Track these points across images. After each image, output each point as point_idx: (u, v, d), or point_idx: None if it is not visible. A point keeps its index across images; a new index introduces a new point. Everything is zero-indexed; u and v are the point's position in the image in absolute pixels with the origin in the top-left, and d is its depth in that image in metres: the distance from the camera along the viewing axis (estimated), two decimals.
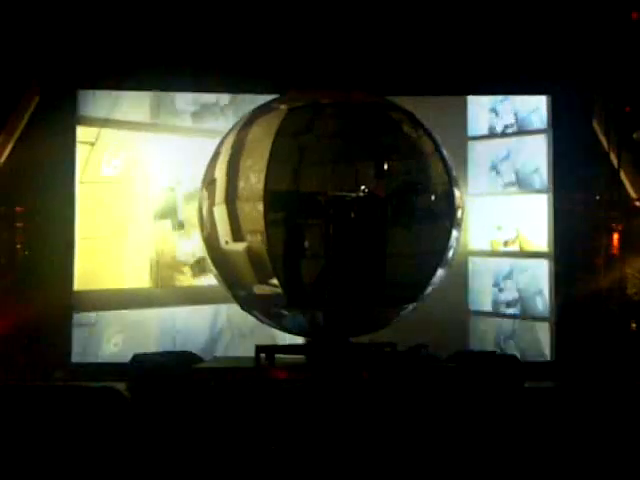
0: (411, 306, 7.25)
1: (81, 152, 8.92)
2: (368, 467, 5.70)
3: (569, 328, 8.88)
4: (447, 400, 6.48)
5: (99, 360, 8.79)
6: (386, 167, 7.18)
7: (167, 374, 6.95)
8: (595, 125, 8.94)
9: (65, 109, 8.92)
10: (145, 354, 8.15)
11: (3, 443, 5.68)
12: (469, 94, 9.41)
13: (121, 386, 6.85)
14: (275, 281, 6.81)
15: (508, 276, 9.27)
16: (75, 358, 8.74)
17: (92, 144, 8.92)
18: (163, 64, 8.82)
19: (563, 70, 8.93)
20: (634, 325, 8.48)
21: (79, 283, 8.84)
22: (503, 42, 8.80)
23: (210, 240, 7.14)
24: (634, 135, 8.51)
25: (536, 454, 5.78)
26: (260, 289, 6.95)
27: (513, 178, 9.33)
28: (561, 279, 8.96)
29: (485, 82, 9.07)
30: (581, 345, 8.60)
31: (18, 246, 8.76)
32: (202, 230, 7.24)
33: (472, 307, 9.33)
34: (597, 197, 8.87)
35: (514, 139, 9.38)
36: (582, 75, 8.93)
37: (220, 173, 7.07)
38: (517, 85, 9.13)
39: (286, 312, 6.99)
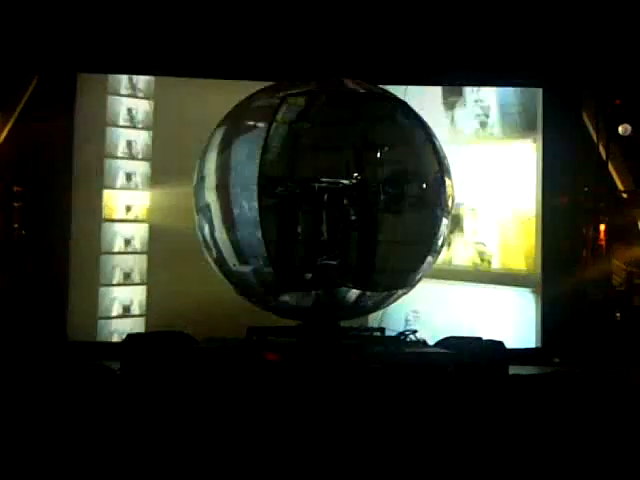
0: (400, 292, 7.36)
1: None
2: (355, 449, 5.77)
3: (556, 316, 8.97)
4: (433, 385, 6.57)
5: None
6: (378, 155, 7.29)
7: (160, 354, 7.01)
8: (584, 118, 9.00)
9: (64, 90, 8.99)
10: (139, 334, 8.28)
11: None
12: (460, 85, 9.47)
13: (116, 365, 6.92)
14: (268, 265, 6.88)
15: None
16: None
17: None
18: (161, 48, 8.87)
19: (554, 63, 8.97)
20: (619, 315, 8.56)
21: None
22: (494, 34, 8.82)
23: (203, 224, 7.23)
24: (619, 129, 8.57)
25: (521, 440, 5.86)
26: (253, 273, 7.03)
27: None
28: (548, 270, 9.04)
29: (476, 73, 9.14)
30: (567, 333, 8.69)
31: (15, 225, 8.81)
32: (196, 214, 7.31)
33: None
34: (585, 189, 8.93)
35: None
36: (572, 68, 8.97)
37: (215, 159, 7.13)
38: (508, 77, 9.19)
39: (278, 296, 7.05)
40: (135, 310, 9.25)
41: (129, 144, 9.35)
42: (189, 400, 6.26)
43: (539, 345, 9.14)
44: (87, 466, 5.43)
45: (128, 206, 9.34)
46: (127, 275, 9.26)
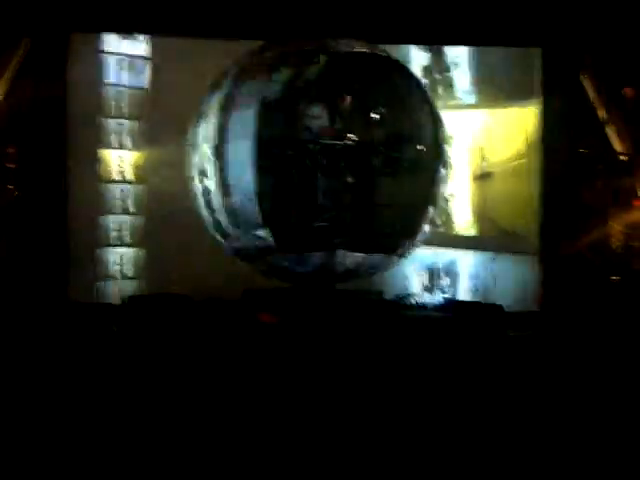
0: (397, 255, 7.36)
1: None
2: (350, 411, 5.81)
3: (556, 279, 8.99)
4: (431, 348, 6.60)
5: None
6: (376, 117, 7.24)
7: (159, 316, 7.04)
8: (584, 79, 8.95)
9: (57, 52, 8.91)
10: (140, 296, 8.29)
11: None
12: (460, 44, 9.31)
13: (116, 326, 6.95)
14: (264, 227, 6.87)
15: None
16: None
17: None
18: (156, 8, 8.77)
19: (555, 22, 8.88)
20: (617, 278, 8.57)
21: None
22: None
23: (200, 185, 7.20)
24: (626, 91, 8.55)
25: (518, 402, 5.91)
26: (250, 234, 7.01)
27: None
28: (547, 232, 9.05)
29: (476, 32, 8.94)
30: (566, 297, 8.72)
31: (10, 187, 8.76)
32: (192, 176, 7.27)
33: None
34: (583, 150, 8.90)
35: None
36: (573, 28, 8.88)
37: (213, 118, 7.09)
38: (508, 36, 9.05)
39: (274, 258, 7.04)
40: (133, 272, 9.24)
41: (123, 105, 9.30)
42: (186, 360, 6.30)
43: (538, 309, 9.18)
44: (86, 426, 5.48)
45: (124, 167, 9.29)
46: (125, 237, 9.23)
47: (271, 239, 6.93)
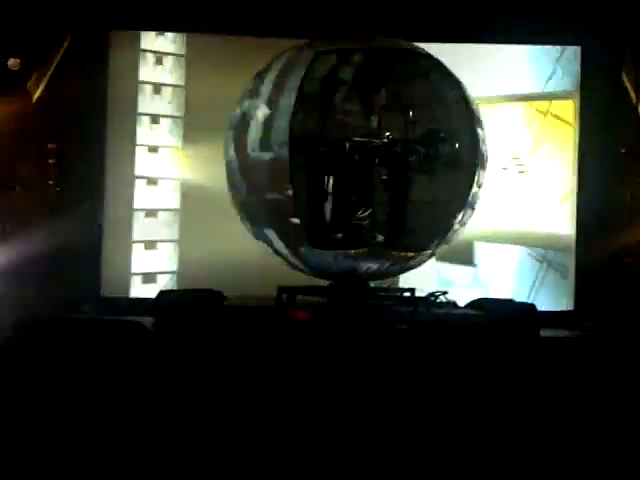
0: (430, 253, 7.33)
1: None
2: (381, 407, 5.79)
3: (590, 280, 8.91)
4: (463, 346, 6.56)
5: None
6: (411, 114, 7.22)
7: (191, 310, 7.06)
8: (624, 78, 8.85)
9: (97, 48, 9.02)
10: (171, 290, 8.36)
11: (28, 375, 5.82)
12: (497, 43, 9.26)
13: (148, 321, 6.98)
14: (298, 223, 6.87)
15: None
16: None
17: None
18: (193, 6, 8.85)
19: (594, 21, 8.79)
20: None
21: None
22: None
23: (234, 183, 7.22)
24: None
25: (550, 403, 5.84)
26: (283, 230, 7.02)
27: None
28: (583, 232, 8.97)
29: (514, 31, 8.91)
30: (601, 297, 8.64)
31: (50, 182, 8.88)
32: (228, 174, 7.30)
33: None
34: (622, 150, 8.79)
35: None
36: (613, 27, 8.79)
37: (246, 115, 7.10)
38: (546, 35, 9.00)
39: (307, 254, 7.04)
40: (167, 267, 9.31)
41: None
42: (217, 357, 6.31)
43: (572, 308, 9.11)
44: (117, 421, 5.53)
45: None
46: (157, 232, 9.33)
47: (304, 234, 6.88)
